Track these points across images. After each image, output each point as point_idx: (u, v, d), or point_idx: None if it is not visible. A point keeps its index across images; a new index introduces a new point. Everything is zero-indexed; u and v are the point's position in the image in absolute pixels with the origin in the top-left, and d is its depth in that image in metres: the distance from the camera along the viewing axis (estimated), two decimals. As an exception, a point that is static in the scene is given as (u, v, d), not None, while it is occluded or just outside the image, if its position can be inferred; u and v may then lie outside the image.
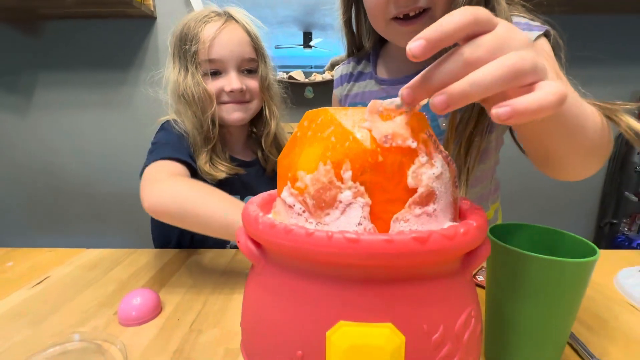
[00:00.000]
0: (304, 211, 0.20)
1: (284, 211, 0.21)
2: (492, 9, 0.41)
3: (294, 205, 0.20)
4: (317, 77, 1.27)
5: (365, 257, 0.16)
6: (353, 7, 0.56)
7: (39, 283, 0.47)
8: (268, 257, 0.21)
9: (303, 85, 1.29)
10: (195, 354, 0.32)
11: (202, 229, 0.42)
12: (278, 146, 0.68)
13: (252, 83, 0.60)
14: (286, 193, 0.21)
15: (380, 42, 0.60)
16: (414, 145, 0.19)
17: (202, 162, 0.57)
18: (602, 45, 1.26)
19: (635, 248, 1.23)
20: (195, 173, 0.56)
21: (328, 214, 0.19)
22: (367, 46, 0.60)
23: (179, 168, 0.51)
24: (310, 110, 0.22)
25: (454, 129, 0.47)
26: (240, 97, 0.59)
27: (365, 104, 0.63)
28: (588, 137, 0.28)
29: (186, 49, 0.56)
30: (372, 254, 0.16)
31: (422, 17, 0.44)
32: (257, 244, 0.21)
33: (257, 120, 0.66)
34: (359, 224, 0.19)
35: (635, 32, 1.26)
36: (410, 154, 0.19)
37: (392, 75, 0.55)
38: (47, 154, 1.38)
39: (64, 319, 0.38)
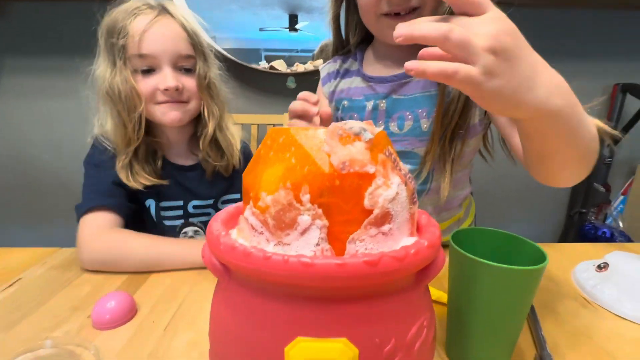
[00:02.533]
0: (265, 230, 0.20)
1: (246, 229, 0.22)
2: None
3: (256, 225, 0.21)
4: (300, 68, 1.26)
5: (319, 279, 0.17)
6: (343, 2, 0.56)
7: (9, 286, 0.46)
8: (231, 274, 0.21)
9: (285, 76, 1.27)
10: (169, 358, 0.33)
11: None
12: (219, 149, 0.63)
13: (189, 82, 0.56)
14: (249, 212, 0.21)
15: (367, 41, 0.60)
16: (372, 170, 0.19)
17: (119, 167, 0.54)
18: (574, 39, 1.29)
19: (600, 236, 1.31)
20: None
21: (288, 234, 0.20)
22: (352, 42, 0.60)
23: (108, 219, 0.52)
24: (274, 128, 0.23)
25: (439, 123, 0.50)
26: (176, 97, 0.55)
27: (350, 99, 0.63)
28: (584, 143, 0.31)
29: (113, 42, 0.52)
30: (326, 277, 0.17)
31: (411, 15, 0.47)
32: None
33: (199, 121, 0.61)
34: (317, 244, 0.19)
35: (606, 27, 1.29)
36: (368, 177, 0.20)
37: (380, 74, 0.55)
38: (17, 145, 1.32)
39: (35, 324, 0.38)
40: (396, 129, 0.54)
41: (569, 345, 0.35)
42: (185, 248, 0.51)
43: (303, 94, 0.41)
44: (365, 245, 0.20)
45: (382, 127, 0.22)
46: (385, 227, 0.20)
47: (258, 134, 1.12)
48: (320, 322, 0.19)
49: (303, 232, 0.19)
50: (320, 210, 0.19)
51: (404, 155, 0.55)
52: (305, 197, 0.19)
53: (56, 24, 1.22)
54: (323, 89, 0.64)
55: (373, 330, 0.19)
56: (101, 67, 0.54)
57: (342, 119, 0.58)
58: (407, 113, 0.53)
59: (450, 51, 0.22)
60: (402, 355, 0.20)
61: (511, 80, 0.23)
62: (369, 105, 0.55)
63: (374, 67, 0.57)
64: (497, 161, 0.62)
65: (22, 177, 1.35)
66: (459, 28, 0.21)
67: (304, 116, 0.40)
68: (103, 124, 0.57)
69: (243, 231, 0.22)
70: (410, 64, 0.22)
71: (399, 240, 0.21)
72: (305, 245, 0.19)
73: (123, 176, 0.54)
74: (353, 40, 0.59)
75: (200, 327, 0.38)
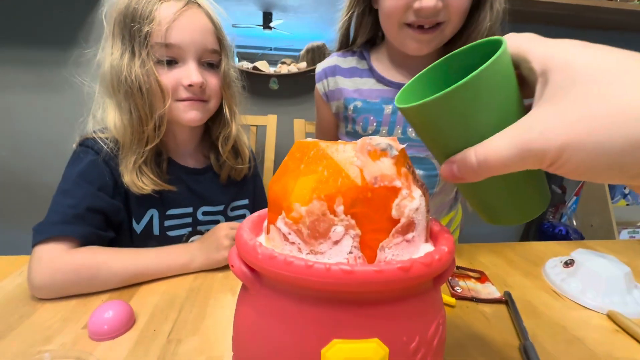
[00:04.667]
0: (298, 240, 0.21)
1: (278, 238, 0.22)
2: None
3: (289, 234, 0.22)
4: (283, 69, 1.26)
5: (358, 285, 0.19)
6: (358, 5, 0.56)
7: (-14, 298, 0.43)
8: (263, 281, 0.22)
9: (268, 77, 1.27)
10: (178, 365, 0.33)
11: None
12: (236, 151, 0.61)
13: (213, 80, 0.53)
14: (281, 222, 0.22)
15: (370, 41, 0.61)
16: (398, 184, 0.21)
17: (128, 169, 0.49)
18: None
19: (557, 233, 1.44)
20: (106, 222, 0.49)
21: (321, 243, 0.21)
22: (358, 43, 0.60)
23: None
24: (300, 141, 0.24)
25: None
26: (199, 94, 0.51)
27: (365, 101, 0.61)
28: None
29: (135, 28, 0.47)
30: (365, 282, 0.19)
31: (435, 30, 0.48)
32: (251, 269, 0.22)
33: (213, 121, 0.58)
34: (350, 252, 0.21)
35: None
36: (395, 190, 0.21)
37: (398, 79, 0.56)
38: (-32, 141, 1.21)
39: (24, 337, 0.36)
40: (414, 135, 0.55)
41: (546, 334, 0.39)
42: (171, 255, 0.48)
43: None
44: (393, 252, 0.21)
45: (400, 131, 0.24)
46: (409, 235, 0.22)
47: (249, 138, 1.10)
48: (355, 325, 0.20)
49: (337, 242, 0.21)
50: (353, 221, 0.21)
51: (418, 161, 0.56)
52: (340, 208, 0.20)
53: (21, 12, 1.12)
54: (317, 86, 0.64)
55: (401, 329, 0.21)
56: (114, 54, 0.48)
57: (354, 119, 0.59)
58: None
59: None
60: (424, 350, 0.22)
61: None
62: (387, 109, 0.56)
63: (389, 72, 0.57)
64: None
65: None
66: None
67: None
68: (103, 118, 0.51)
69: (273, 240, 0.23)
70: None
71: (419, 246, 0.23)
72: (339, 253, 0.21)
73: (134, 178, 0.49)
74: (360, 40, 0.60)
75: (204, 333, 0.38)
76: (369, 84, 0.58)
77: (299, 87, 1.29)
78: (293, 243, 0.22)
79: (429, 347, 0.22)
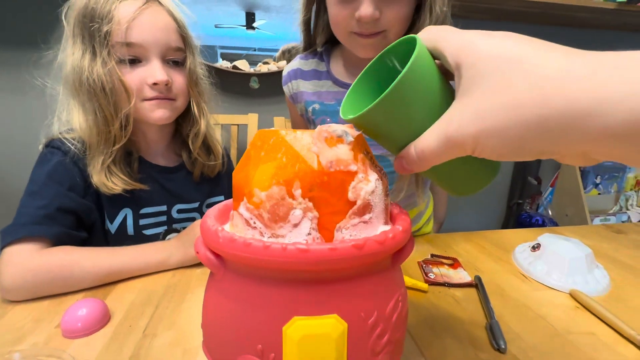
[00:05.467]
0: (260, 224, 0.22)
1: (241, 224, 0.23)
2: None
3: (251, 219, 0.22)
4: (263, 68, 1.26)
5: (314, 263, 0.20)
6: (314, 5, 0.57)
7: (-46, 302, 0.42)
8: (227, 265, 0.23)
9: (248, 76, 1.26)
10: (152, 358, 0.33)
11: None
12: (208, 148, 0.61)
13: (179, 77, 0.52)
14: (243, 208, 0.23)
15: (331, 42, 0.62)
16: (354, 168, 0.22)
17: (96, 169, 0.48)
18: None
19: (534, 223, 1.49)
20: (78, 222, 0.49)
21: (281, 226, 0.22)
22: (319, 42, 0.61)
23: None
24: (262, 130, 0.25)
25: None
26: (165, 92, 0.51)
27: (322, 103, 0.64)
28: None
29: (94, 27, 0.46)
30: (320, 260, 0.20)
31: (378, 34, 0.50)
32: (215, 254, 0.23)
33: (183, 118, 0.58)
34: (309, 234, 0.22)
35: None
36: (351, 174, 0.22)
37: (352, 81, 0.57)
38: None
39: (-6, 338, 0.36)
40: None
41: (511, 314, 0.41)
42: (148, 252, 0.48)
43: None
44: (350, 233, 0.23)
45: (357, 131, 0.25)
46: (366, 217, 0.23)
47: (221, 135, 1.10)
48: (313, 302, 0.21)
49: (296, 224, 0.22)
50: (310, 204, 0.22)
51: (377, 159, 0.58)
52: (297, 192, 0.21)
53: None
54: (284, 89, 0.65)
55: (358, 305, 0.22)
56: (75, 55, 0.47)
57: (313, 121, 0.61)
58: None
59: None
60: (383, 326, 0.23)
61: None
62: None
63: (345, 73, 0.59)
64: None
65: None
66: None
67: None
68: (69, 119, 0.50)
69: (237, 226, 0.24)
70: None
71: (377, 228, 0.24)
72: (298, 235, 0.22)
73: (103, 178, 0.48)
74: (319, 40, 0.61)
75: (181, 327, 0.38)
76: (326, 86, 0.60)
77: (279, 85, 1.29)
78: (255, 228, 0.22)
79: (387, 322, 0.23)
